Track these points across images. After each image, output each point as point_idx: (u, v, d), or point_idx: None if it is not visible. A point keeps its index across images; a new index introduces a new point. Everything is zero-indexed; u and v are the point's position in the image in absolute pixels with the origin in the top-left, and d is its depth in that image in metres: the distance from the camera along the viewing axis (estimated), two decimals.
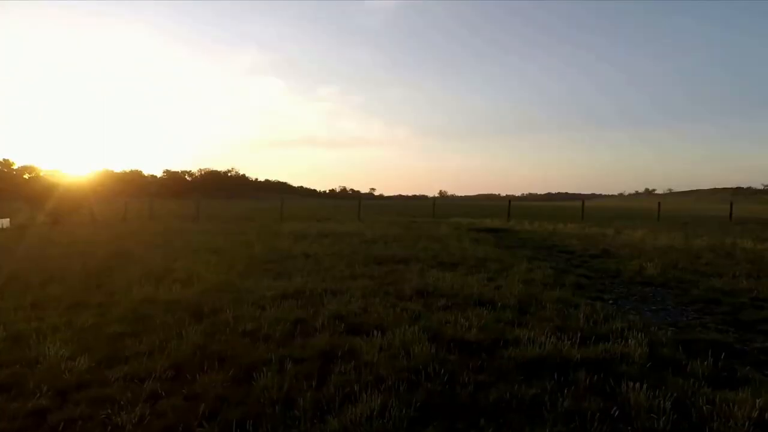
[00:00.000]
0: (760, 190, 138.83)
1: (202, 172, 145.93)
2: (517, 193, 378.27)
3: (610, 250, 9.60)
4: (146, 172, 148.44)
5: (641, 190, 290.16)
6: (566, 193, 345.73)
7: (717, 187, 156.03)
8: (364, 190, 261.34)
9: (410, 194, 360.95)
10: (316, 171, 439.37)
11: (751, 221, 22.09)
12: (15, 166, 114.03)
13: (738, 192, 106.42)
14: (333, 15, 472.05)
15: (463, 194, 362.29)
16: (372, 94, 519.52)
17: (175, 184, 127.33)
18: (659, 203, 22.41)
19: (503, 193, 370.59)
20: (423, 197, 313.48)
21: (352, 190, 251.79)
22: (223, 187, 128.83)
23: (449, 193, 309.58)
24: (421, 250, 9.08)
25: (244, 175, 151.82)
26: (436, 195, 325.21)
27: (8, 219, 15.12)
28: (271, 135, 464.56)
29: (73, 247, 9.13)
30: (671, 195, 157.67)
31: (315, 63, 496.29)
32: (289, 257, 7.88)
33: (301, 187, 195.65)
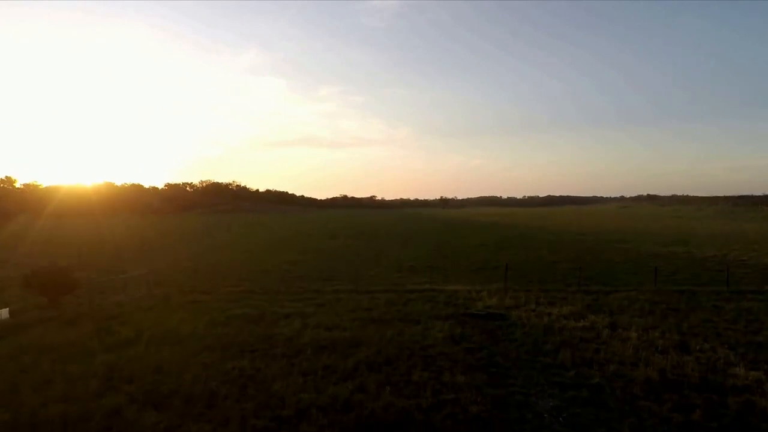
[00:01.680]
0: (761, 198, 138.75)
1: (204, 184, 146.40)
2: (519, 196, 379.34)
3: (603, 385, 9.56)
4: (147, 183, 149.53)
5: (644, 193, 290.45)
6: (568, 196, 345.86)
7: (718, 195, 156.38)
8: (365, 193, 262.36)
9: (412, 198, 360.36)
10: (317, 171, 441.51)
11: (749, 280, 21.95)
12: (17, 184, 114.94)
13: (739, 203, 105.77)
14: (334, 15, 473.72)
15: (464, 197, 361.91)
16: (373, 94, 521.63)
17: (177, 197, 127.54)
18: (656, 269, 22.31)
19: (504, 196, 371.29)
20: (424, 202, 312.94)
21: (353, 198, 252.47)
22: (224, 200, 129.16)
23: (450, 196, 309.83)
24: (413, 396, 9.08)
25: (245, 187, 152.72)
26: (437, 198, 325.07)
27: (7, 309, 15.13)
28: (271, 135, 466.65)
29: (73, 391, 8.96)
30: (672, 202, 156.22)
31: (316, 63, 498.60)
32: (281, 422, 7.98)
33: (302, 196, 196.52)
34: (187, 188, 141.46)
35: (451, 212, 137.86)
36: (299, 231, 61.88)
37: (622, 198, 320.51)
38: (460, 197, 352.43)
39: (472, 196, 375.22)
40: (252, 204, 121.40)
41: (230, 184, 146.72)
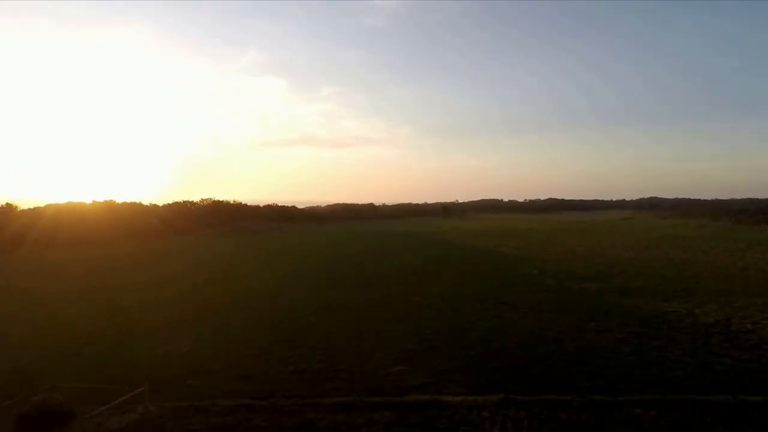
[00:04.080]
0: (764, 204, 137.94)
1: (204, 202, 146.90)
2: (520, 199, 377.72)
3: None
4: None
5: (645, 196, 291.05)
6: (570, 200, 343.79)
7: (721, 198, 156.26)
8: (365, 195, 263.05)
9: (413, 202, 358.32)
10: (317, 172, 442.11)
11: (756, 372, 21.21)
12: (18, 209, 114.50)
13: (741, 219, 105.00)
14: (334, 15, 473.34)
15: (465, 200, 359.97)
16: (373, 94, 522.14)
17: (177, 216, 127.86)
18: (662, 370, 21.93)
19: (506, 198, 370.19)
20: (425, 209, 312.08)
21: (353, 205, 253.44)
22: (223, 219, 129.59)
23: (451, 199, 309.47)
24: None
25: (245, 204, 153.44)
26: (437, 203, 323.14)
27: None
28: (272, 135, 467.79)
29: None
30: (674, 212, 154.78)
31: (316, 63, 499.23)
32: None
33: (303, 210, 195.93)
34: (188, 205, 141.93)
35: (451, 228, 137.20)
36: (299, 268, 61.57)
37: (624, 202, 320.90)
38: (461, 200, 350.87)
39: (474, 199, 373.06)
40: (252, 223, 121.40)
41: (230, 202, 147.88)
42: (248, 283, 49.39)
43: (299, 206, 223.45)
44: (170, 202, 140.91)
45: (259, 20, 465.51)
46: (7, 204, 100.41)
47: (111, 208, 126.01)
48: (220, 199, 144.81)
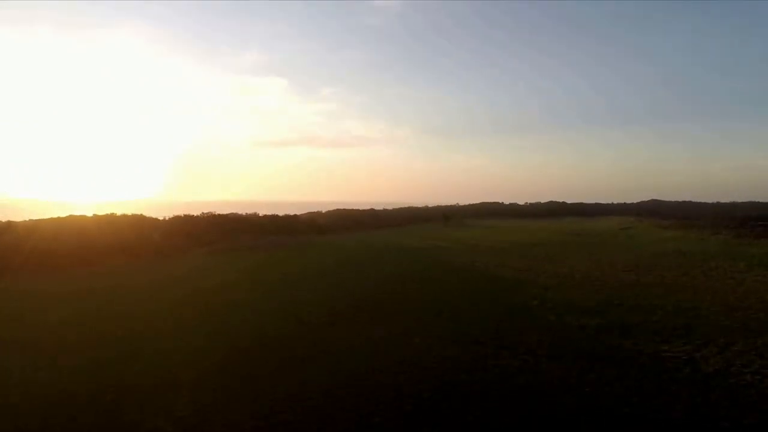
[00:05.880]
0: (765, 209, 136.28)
1: (205, 215, 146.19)
2: (521, 202, 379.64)
3: None
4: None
5: (647, 198, 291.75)
6: (570, 204, 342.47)
7: (722, 201, 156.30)
8: (366, 198, 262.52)
9: (413, 205, 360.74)
10: (318, 172, 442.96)
11: None
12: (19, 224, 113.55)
13: (742, 233, 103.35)
14: (335, 15, 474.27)
15: (466, 202, 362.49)
16: (374, 94, 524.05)
17: (178, 231, 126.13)
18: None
19: (506, 201, 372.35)
20: (425, 212, 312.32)
21: (354, 211, 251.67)
22: (223, 235, 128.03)
23: (452, 201, 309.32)
24: None
25: (245, 215, 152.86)
26: (438, 206, 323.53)
27: None
28: (272, 135, 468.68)
29: None
30: (675, 220, 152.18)
31: (317, 63, 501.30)
32: None
33: (303, 220, 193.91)
34: (188, 219, 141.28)
35: (452, 240, 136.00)
36: (296, 298, 61.51)
37: (624, 206, 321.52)
38: (462, 203, 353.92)
39: (474, 202, 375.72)
40: (252, 237, 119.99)
41: (229, 215, 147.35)
42: (249, 328, 49.39)
43: (299, 206, 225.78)
44: (170, 216, 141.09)
45: (259, 20, 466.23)
46: (8, 222, 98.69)
47: (111, 221, 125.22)
48: (220, 213, 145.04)
